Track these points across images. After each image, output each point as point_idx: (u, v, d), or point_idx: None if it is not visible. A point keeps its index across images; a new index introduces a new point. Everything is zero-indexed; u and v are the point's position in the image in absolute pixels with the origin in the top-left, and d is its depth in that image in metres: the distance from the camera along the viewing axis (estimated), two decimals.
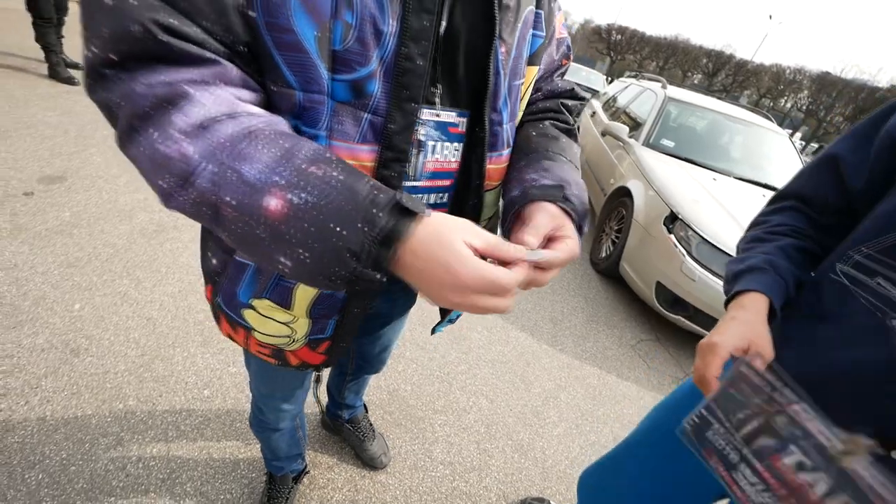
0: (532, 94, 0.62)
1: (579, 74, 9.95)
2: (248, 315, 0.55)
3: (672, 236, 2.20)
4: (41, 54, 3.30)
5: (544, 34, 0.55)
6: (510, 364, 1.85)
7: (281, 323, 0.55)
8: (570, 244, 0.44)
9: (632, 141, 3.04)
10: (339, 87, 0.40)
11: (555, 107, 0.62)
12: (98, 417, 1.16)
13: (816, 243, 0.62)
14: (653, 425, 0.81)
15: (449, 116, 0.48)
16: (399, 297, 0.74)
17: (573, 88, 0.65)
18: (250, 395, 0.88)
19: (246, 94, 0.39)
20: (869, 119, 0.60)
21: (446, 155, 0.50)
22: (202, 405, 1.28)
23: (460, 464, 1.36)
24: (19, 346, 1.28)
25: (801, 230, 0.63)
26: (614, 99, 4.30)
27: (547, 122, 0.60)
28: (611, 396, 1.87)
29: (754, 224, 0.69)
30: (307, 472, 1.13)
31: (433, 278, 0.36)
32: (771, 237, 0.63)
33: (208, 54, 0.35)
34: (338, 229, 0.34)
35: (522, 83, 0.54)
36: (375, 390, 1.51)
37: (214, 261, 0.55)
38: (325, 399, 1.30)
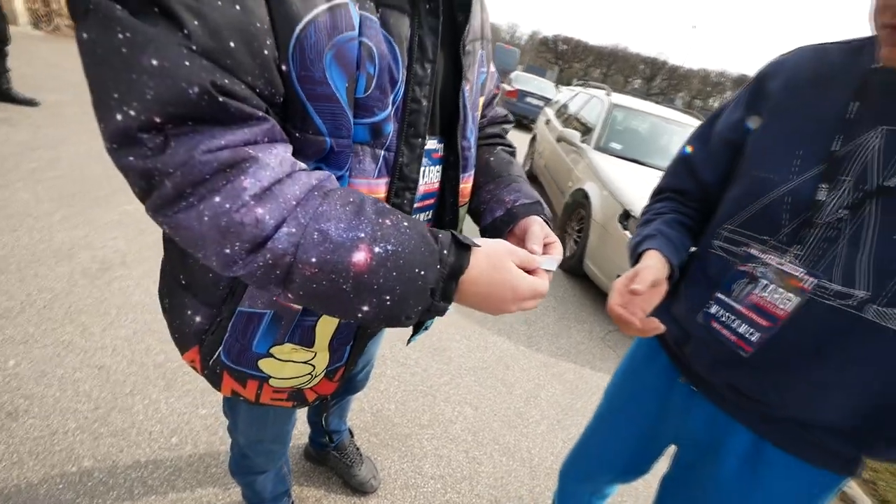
0: (480, 121, 0.72)
1: (532, 83, 10.28)
2: (266, 364, 0.54)
3: (627, 232, 2.34)
4: None
5: (486, 70, 0.64)
6: (490, 369, 1.87)
7: (301, 363, 0.55)
8: (559, 248, 0.55)
9: (584, 146, 3.24)
10: (359, 129, 0.44)
11: (499, 132, 0.74)
12: (47, 485, 1.04)
13: (692, 220, 0.74)
14: (605, 404, 0.92)
15: (432, 144, 0.53)
16: None
17: (507, 114, 0.78)
18: (230, 440, 0.82)
19: (289, 147, 0.39)
20: (706, 122, 0.74)
21: (431, 178, 0.55)
22: (170, 454, 1.19)
23: (451, 475, 1.35)
24: None
25: (678, 209, 0.75)
26: (565, 106, 4.57)
27: (498, 149, 0.71)
28: (587, 389, 1.94)
29: (643, 212, 0.81)
30: None
31: (496, 297, 0.43)
32: (656, 216, 0.75)
33: (259, 112, 0.35)
34: (419, 272, 0.38)
35: (479, 112, 0.63)
36: (359, 413, 1.47)
37: (198, 318, 0.52)
38: (306, 429, 1.24)
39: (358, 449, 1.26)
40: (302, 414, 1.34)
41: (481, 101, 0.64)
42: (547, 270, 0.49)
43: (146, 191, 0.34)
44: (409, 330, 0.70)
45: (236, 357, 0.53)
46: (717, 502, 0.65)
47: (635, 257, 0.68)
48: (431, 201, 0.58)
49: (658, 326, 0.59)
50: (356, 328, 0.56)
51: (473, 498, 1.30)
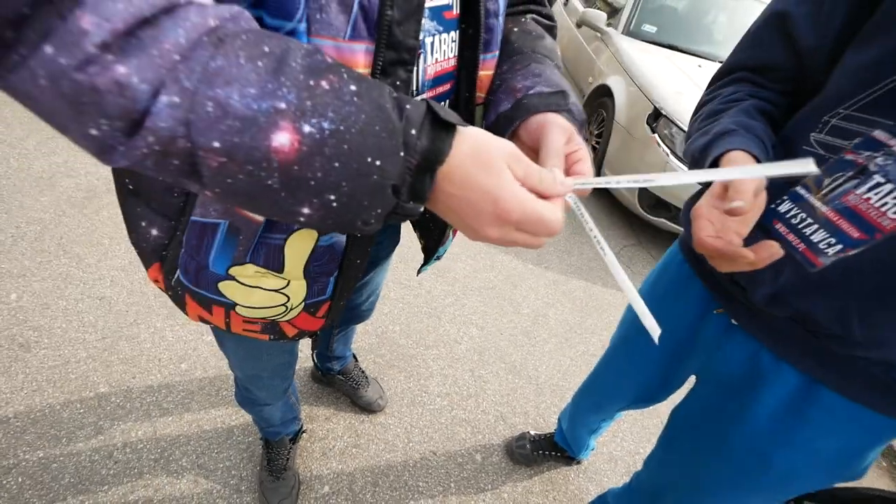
0: None
1: None
2: (227, 288, 0.44)
3: (656, 135, 2.06)
4: None
5: None
6: (497, 289, 1.82)
7: (272, 291, 0.45)
8: (588, 164, 0.37)
9: (610, 30, 2.71)
10: None
11: None
12: (69, 410, 1.10)
13: (777, 108, 0.55)
14: (623, 331, 0.85)
15: None
16: (385, 237, 0.66)
17: None
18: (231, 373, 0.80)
19: None
20: None
21: (444, 51, 0.40)
22: (181, 379, 1.22)
23: (457, 393, 1.39)
24: None
25: (757, 94, 0.56)
26: None
27: (528, 17, 0.50)
28: (597, 307, 1.90)
29: (703, 103, 0.61)
30: (304, 432, 1.12)
31: (472, 209, 0.30)
32: (728, 105, 0.55)
33: None
34: (373, 161, 0.27)
35: None
36: (364, 335, 1.47)
37: (154, 231, 0.43)
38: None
39: (363, 371, 1.28)
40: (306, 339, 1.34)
41: None
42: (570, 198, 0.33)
43: None
44: (418, 252, 0.61)
45: (194, 277, 0.44)
46: (743, 442, 0.59)
47: (708, 164, 0.50)
48: (447, 87, 0.42)
49: (778, 251, 0.41)
50: (341, 256, 0.45)
51: (479, 414, 1.35)
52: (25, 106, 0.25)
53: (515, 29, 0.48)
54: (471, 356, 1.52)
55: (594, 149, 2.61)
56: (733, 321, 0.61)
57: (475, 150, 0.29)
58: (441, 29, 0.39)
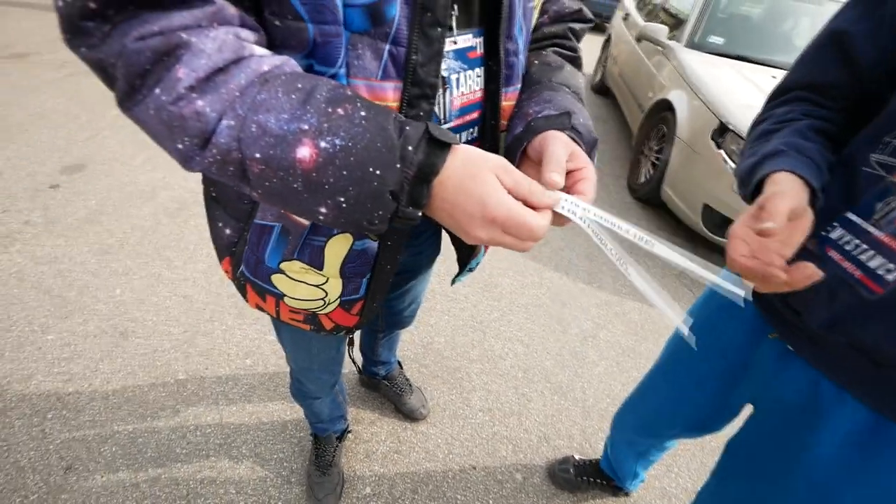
0: (538, 18, 0.56)
1: None
2: (278, 280, 0.53)
3: (722, 151, 1.93)
4: (40, 41, 3.25)
5: None
6: (545, 307, 1.79)
7: (313, 286, 0.53)
8: (591, 184, 0.40)
9: (672, 43, 2.62)
10: (353, 14, 0.36)
11: (561, 32, 0.57)
12: (154, 393, 1.25)
13: (835, 126, 0.53)
14: (672, 352, 0.80)
15: (466, 40, 0.44)
16: (425, 248, 0.71)
17: (581, 9, 0.59)
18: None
19: (245, 33, 0.34)
20: None
21: (470, 85, 0.46)
22: (246, 373, 1.34)
23: (499, 409, 1.37)
24: (74, 333, 1.36)
25: (813, 113, 0.54)
26: None
27: (549, 50, 0.56)
28: (654, 330, 1.79)
29: (756, 123, 0.58)
30: (350, 431, 1.17)
31: (464, 213, 0.34)
32: (781, 125, 0.53)
33: None
34: (374, 171, 0.33)
35: (535, 5, 0.49)
36: (409, 345, 1.51)
37: (228, 231, 0.53)
38: (359, 358, 1.31)
39: (407, 379, 1.31)
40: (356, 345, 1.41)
41: None
42: (560, 212, 0.36)
43: (109, 85, 0.33)
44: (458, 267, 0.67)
45: (253, 270, 0.53)
46: (806, 477, 0.54)
47: (753, 185, 0.49)
48: (474, 116, 0.48)
49: (815, 272, 0.41)
50: (373, 261, 0.51)
51: (522, 433, 1.32)
52: (141, 127, 0.34)
53: (536, 62, 0.54)
54: (515, 373, 1.49)
55: (654, 165, 2.50)
56: (789, 347, 0.56)
57: (466, 163, 0.35)
58: (465, 67, 0.44)
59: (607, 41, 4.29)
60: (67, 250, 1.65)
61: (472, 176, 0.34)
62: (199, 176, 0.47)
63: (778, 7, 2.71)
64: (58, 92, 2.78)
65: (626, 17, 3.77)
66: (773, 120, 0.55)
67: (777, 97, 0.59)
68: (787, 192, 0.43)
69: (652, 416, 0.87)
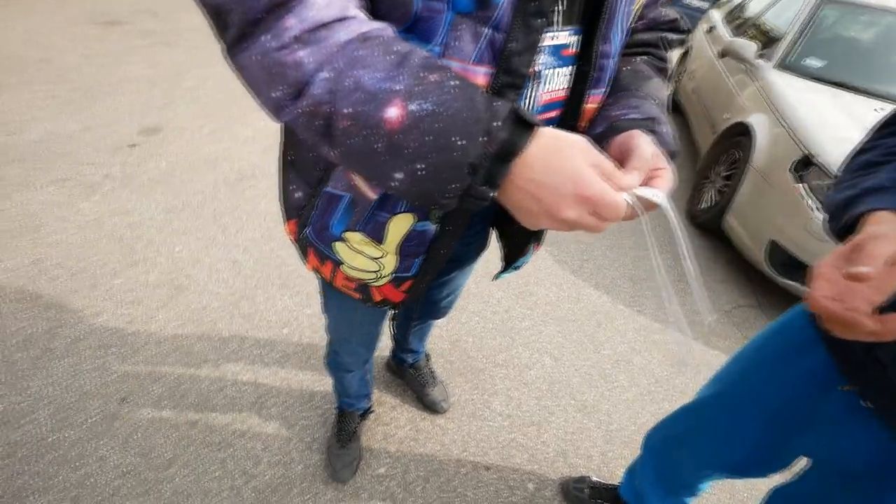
0: (634, 23, 0.55)
1: None
2: (339, 248, 0.56)
3: (801, 185, 1.78)
4: (129, 11, 3.57)
5: None
6: (579, 323, 1.74)
7: (370, 258, 0.55)
8: (667, 183, 0.40)
9: (761, 62, 2.40)
10: None
11: (654, 41, 0.56)
12: (200, 345, 1.34)
13: None
14: (728, 387, 0.75)
15: (563, 37, 0.43)
16: (475, 240, 0.72)
17: (678, 19, 0.57)
18: (326, 336, 0.92)
19: None
20: None
21: (559, 83, 0.46)
22: (283, 340, 1.41)
23: (519, 417, 1.35)
24: (137, 281, 1.49)
25: None
26: (742, 7, 3.40)
27: (639, 59, 0.55)
28: (692, 365, 1.70)
29: (859, 152, 0.53)
30: (372, 411, 1.20)
31: (553, 191, 0.33)
32: (890, 158, 0.49)
33: None
34: (457, 141, 0.32)
35: (635, 9, 0.48)
36: (438, 339, 1.53)
37: (298, 194, 0.56)
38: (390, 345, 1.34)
39: (433, 371, 1.33)
40: (387, 330, 1.44)
41: None
42: (638, 200, 0.36)
43: (221, 30, 0.34)
44: (497, 265, 0.67)
45: (318, 234, 0.56)
46: None
47: (848, 221, 0.45)
48: (554, 114, 0.48)
49: None
50: (429, 242, 0.53)
51: (539, 444, 1.30)
52: (240, 75, 0.36)
53: (626, 68, 0.53)
54: (539, 384, 1.47)
55: (720, 192, 2.35)
56: (865, 403, 0.51)
57: (554, 140, 0.34)
58: (558, 63, 0.44)
59: (685, 55, 4.03)
60: (138, 205, 1.80)
61: (562, 153, 0.34)
62: (258, 149, 0.50)
63: (893, 33, 2.40)
64: (141, 59, 3.05)
65: (711, 30, 3.52)
66: (881, 151, 0.50)
67: (888, 126, 0.53)
68: (890, 235, 0.39)
69: (705, 451, 0.81)
